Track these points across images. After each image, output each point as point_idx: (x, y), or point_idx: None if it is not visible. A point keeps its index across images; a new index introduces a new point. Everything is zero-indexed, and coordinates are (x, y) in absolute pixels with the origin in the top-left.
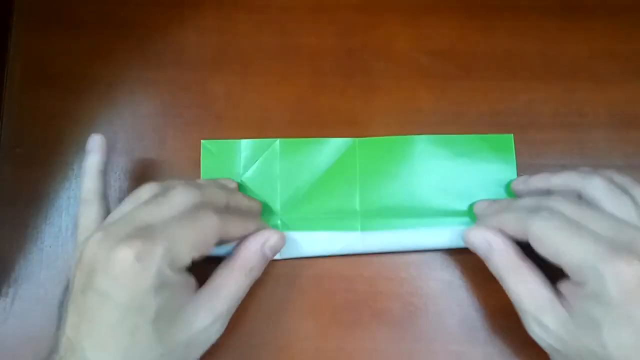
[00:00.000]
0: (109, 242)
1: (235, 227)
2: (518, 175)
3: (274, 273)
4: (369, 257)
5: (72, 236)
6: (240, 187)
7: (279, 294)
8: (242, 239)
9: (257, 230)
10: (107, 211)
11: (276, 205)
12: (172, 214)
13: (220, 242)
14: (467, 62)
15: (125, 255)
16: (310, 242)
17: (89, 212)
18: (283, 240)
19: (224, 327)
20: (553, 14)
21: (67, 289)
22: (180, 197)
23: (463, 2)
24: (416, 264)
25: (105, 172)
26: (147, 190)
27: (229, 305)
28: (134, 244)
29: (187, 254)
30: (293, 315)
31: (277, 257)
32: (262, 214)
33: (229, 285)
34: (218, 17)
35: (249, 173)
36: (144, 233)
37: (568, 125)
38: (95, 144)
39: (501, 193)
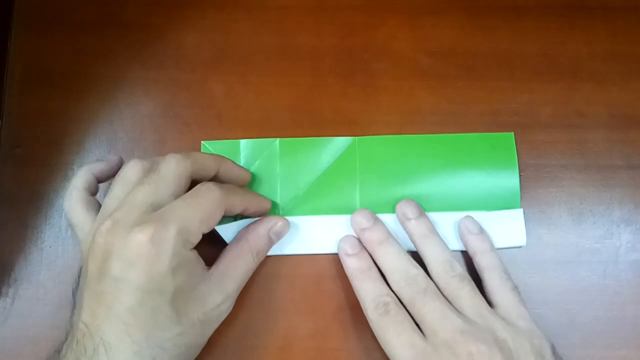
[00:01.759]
0: (119, 229)
1: (239, 199)
2: (520, 174)
3: (274, 273)
4: None
5: (72, 236)
6: None
7: (279, 294)
8: (249, 223)
9: (257, 202)
10: (94, 202)
11: (277, 205)
12: (172, 191)
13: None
14: (467, 62)
15: (139, 240)
16: (312, 229)
17: (78, 209)
18: (287, 227)
19: (233, 304)
20: (553, 14)
21: (79, 276)
22: (172, 169)
23: (463, 2)
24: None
25: (97, 178)
26: (132, 168)
27: (238, 285)
28: (147, 229)
29: (198, 231)
30: (293, 315)
31: (279, 252)
32: None
33: (239, 267)
34: (218, 17)
35: None
36: (154, 216)
37: (568, 125)
38: (110, 157)
39: (501, 191)
